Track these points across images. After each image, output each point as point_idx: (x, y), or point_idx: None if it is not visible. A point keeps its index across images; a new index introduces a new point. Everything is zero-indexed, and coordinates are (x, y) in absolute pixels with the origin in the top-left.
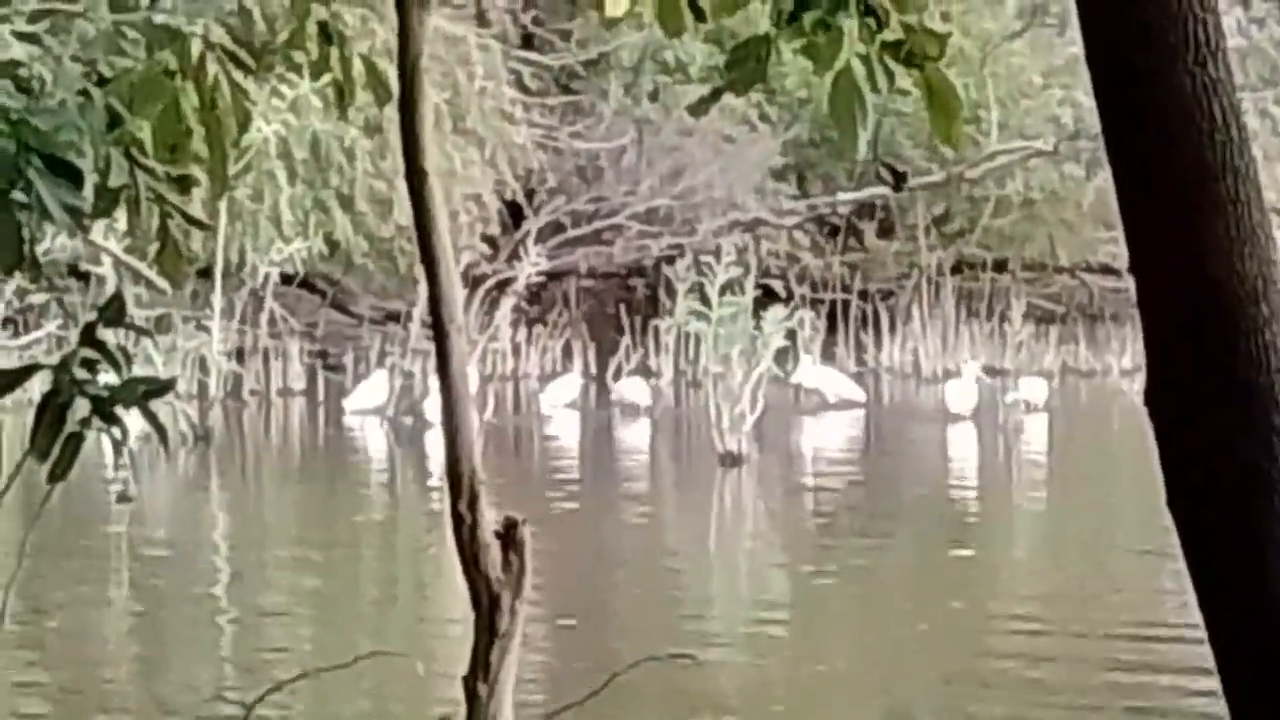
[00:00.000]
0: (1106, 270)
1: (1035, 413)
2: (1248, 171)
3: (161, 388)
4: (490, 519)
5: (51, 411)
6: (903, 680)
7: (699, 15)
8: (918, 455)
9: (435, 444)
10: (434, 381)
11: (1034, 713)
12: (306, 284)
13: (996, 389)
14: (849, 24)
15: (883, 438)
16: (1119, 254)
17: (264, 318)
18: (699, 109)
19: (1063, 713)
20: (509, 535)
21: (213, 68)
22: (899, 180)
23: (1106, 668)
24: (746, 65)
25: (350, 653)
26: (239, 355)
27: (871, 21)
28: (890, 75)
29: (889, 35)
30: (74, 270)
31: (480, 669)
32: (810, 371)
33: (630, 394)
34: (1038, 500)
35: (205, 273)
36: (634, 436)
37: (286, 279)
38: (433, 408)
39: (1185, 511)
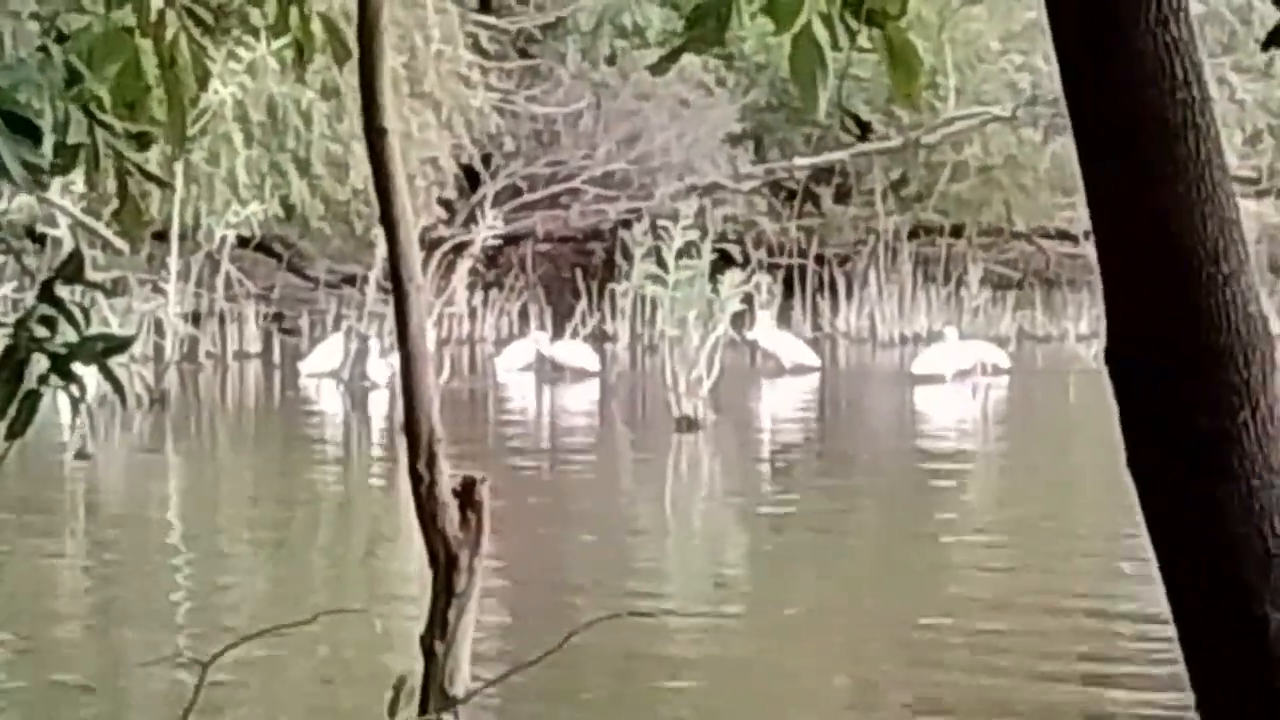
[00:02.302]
0: (1063, 236)
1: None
2: (1209, 131)
3: (120, 344)
4: (448, 477)
5: (9, 368)
6: (862, 635)
7: None
8: (891, 419)
9: (380, 405)
10: (384, 345)
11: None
12: (263, 247)
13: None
14: None
15: (843, 401)
16: (1076, 219)
17: (220, 281)
18: (659, 68)
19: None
20: (467, 494)
21: (172, 25)
22: (864, 130)
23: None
24: (706, 24)
25: (307, 611)
26: (195, 318)
27: None
28: (851, 34)
29: None
30: (30, 232)
31: (437, 627)
32: (767, 334)
33: (571, 358)
34: (1005, 465)
35: (161, 235)
36: (587, 401)
37: (243, 242)
38: (378, 370)
39: (1144, 472)
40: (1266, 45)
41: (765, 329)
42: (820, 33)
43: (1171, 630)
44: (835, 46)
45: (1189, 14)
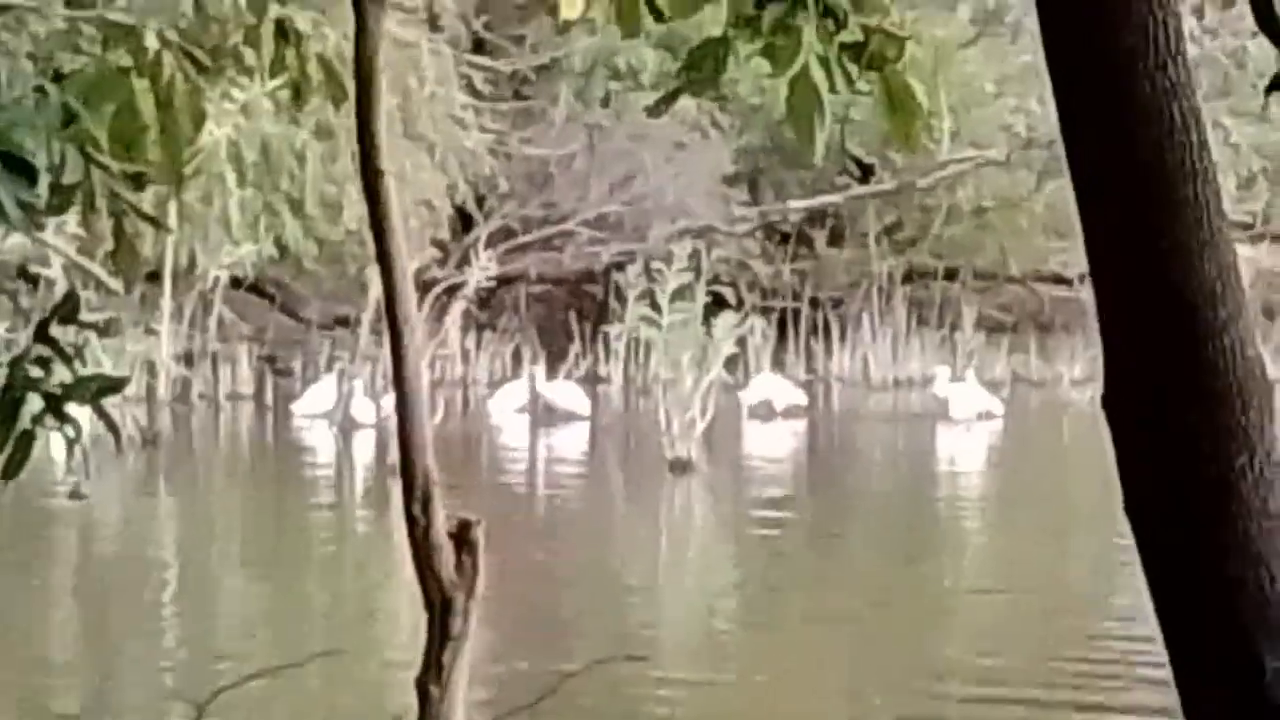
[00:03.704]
0: (1058, 280)
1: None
2: (1208, 174)
3: (114, 385)
4: (443, 520)
5: (4, 408)
6: (851, 688)
7: (657, 16)
8: (885, 461)
9: (367, 446)
10: (376, 386)
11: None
12: (255, 288)
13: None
14: (807, 25)
15: (836, 444)
16: (1070, 263)
17: (213, 322)
18: (656, 110)
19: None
20: (462, 536)
21: (168, 66)
22: (865, 173)
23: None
24: (703, 67)
25: (302, 653)
26: (187, 359)
27: (830, 23)
28: (849, 77)
29: (847, 37)
30: (23, 273)
31: (433, 670)
32: (758, 381)
33: (562, 399)
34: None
35: (154, 276)
36: (582, 444)
37: (236, 283)
38: (363, 410)
39: (1142, 517)
40: (1270, 90)
41: (758, 379)
42: (818, 76)
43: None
44: (832, 90)
45: (1187, 58)
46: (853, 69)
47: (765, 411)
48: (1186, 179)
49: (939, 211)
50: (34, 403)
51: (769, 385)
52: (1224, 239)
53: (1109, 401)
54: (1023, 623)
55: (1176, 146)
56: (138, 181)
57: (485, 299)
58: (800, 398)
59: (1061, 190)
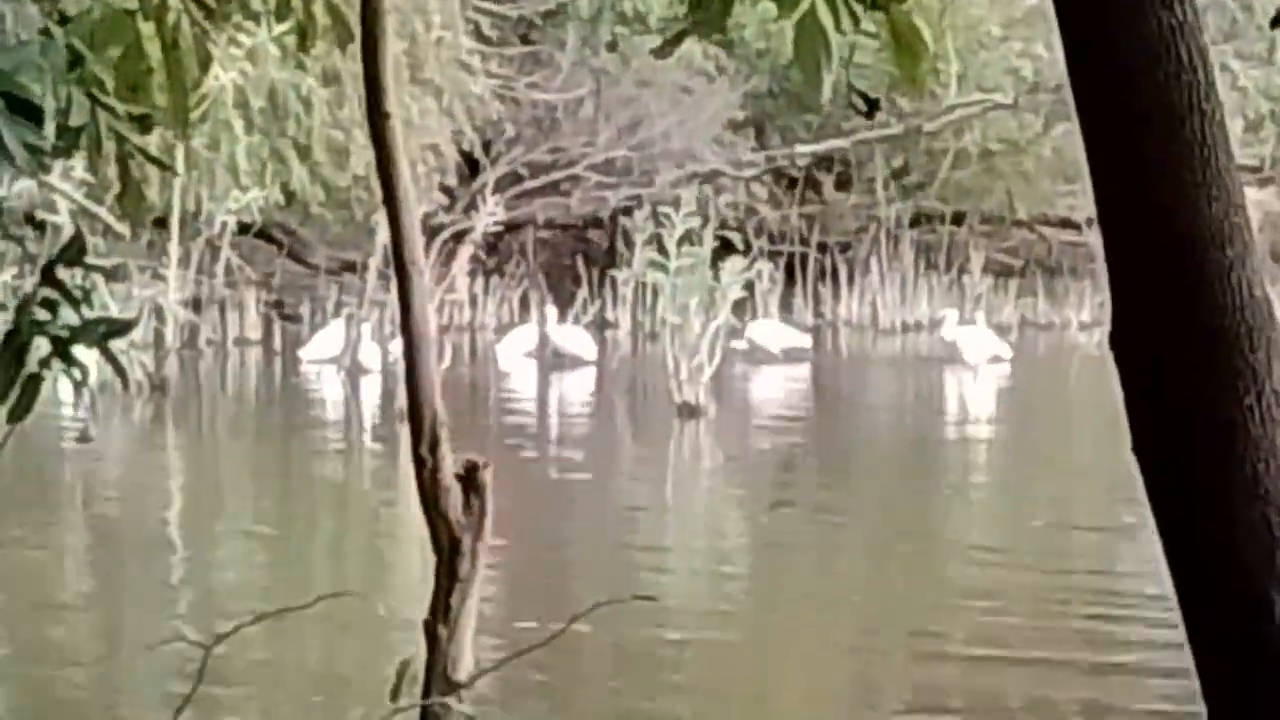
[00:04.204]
0: (1065, 224)
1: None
2: (1214, 114)
3: (121, 328)
4: (450, 462)
5: (11, 351)
6: (863, 623)
7: None
8: (891, 405)
9: (373, 390)
10: (384, 331)
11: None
12: (263, 234)
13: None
14: None
15: (845, 389)
16: (1078, 207)
17: (220, 267)
18: (662, 51)
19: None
20: (470, 478)
21: (174, 8)
22: (872, 107)
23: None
24: (709, 9)
25: (310, 595)
26: (195, 305)
27: None
28: (855, 17)
29: None
30: (30, 219)
31: (440, 612)
32: (754, 327)
33: (569, 344)
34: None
35: (161, 222)
36: (590, 389)
37: (243, 228)
38: (369, 354)
39: (1149, 455)
40: (1275, 24)
41: (756, 325)
42: (824, 16)
43: None
44: (839, 30)
45: None
46: (859, 9)
47: (764, 357)
48: (1193, 118)
49: (946, 156)
50: (41, 347)
51: (765, 330)
52: (1231, 179)
53: (1116, 342)
54: (1028, 574)
55: (1183, 86)
56: (144, 125)
57: (492, 244)
58: (802, 340)
59: (1068, 134)
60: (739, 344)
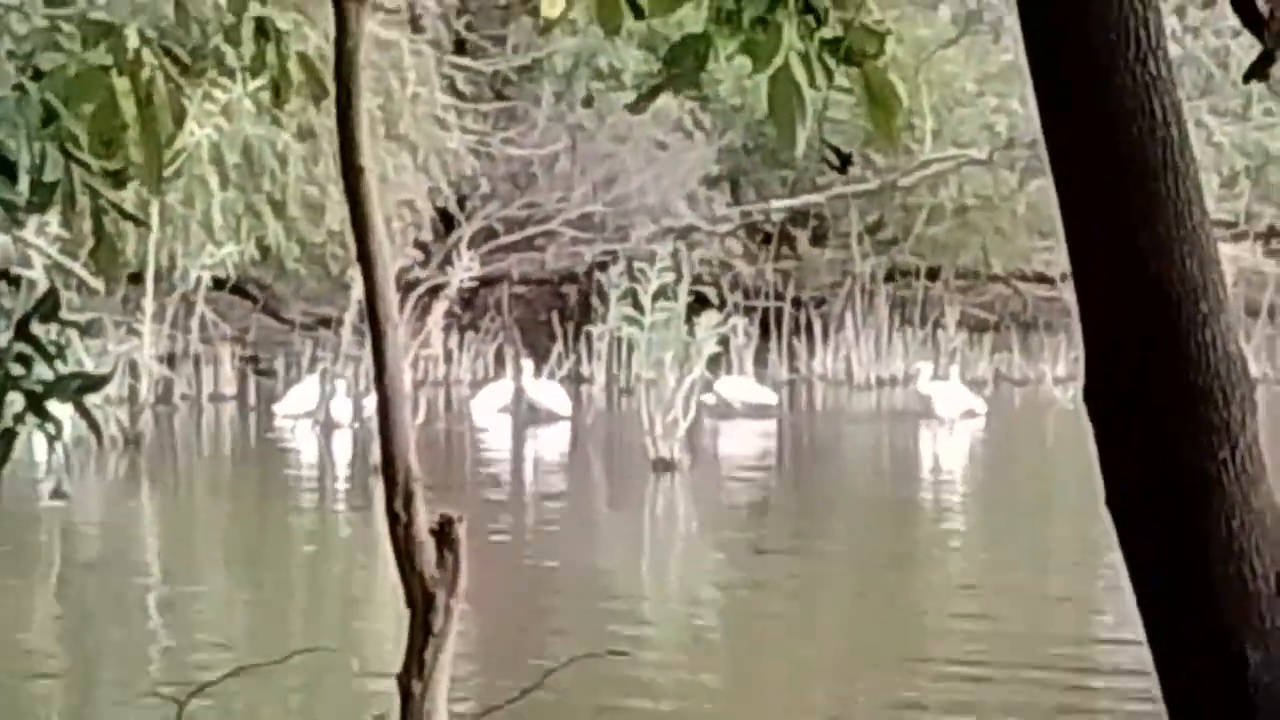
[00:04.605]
0: (1040, 279)
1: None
2: (1188, 170)
3: (96, 382)
4: (425, 517)
5: None
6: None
7: (638, 13)
8: (863, 460)
9: (345, 445)
10: (359, 387)
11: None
12: (238, 289)
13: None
14: (788, 21)
15: (819, 444)
16: (1053, 262)
17: (195, 322)
18: (637, 106)
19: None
20: (444, 533)
21: (149, 64)
22: (845, 161)
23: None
24: (684, 64)
25: (283, 651)
26: (170, 360)
27: (810, 19)
28: (829, 73)
29: (827, 33)
30: (4, 274)
31: (415, 667)
32: (725, 382)
33: (544, 399)
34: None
35: (136, 277)
36: (565, 444)
37: (218, 284)
38: (341, 409)
39: (1124, 512)
40: (1248, 78)
41: (724, 380)
42: (798, 72)
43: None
44: (813, 85)
45: (1167, 54)
46: (833, 64)
47: (731, 412)
48: (1167, 174)
49: (921, 211)
50: (16, 402)
51: (732, 386)
52: (1205, 234)
53: (1090, 396)
54: (1008, 623)
55: (1157, 141)
56: (118, 180)
57: (468, 299)
58: (769, 397)
59: (1043, 189)
60: (707, 398)
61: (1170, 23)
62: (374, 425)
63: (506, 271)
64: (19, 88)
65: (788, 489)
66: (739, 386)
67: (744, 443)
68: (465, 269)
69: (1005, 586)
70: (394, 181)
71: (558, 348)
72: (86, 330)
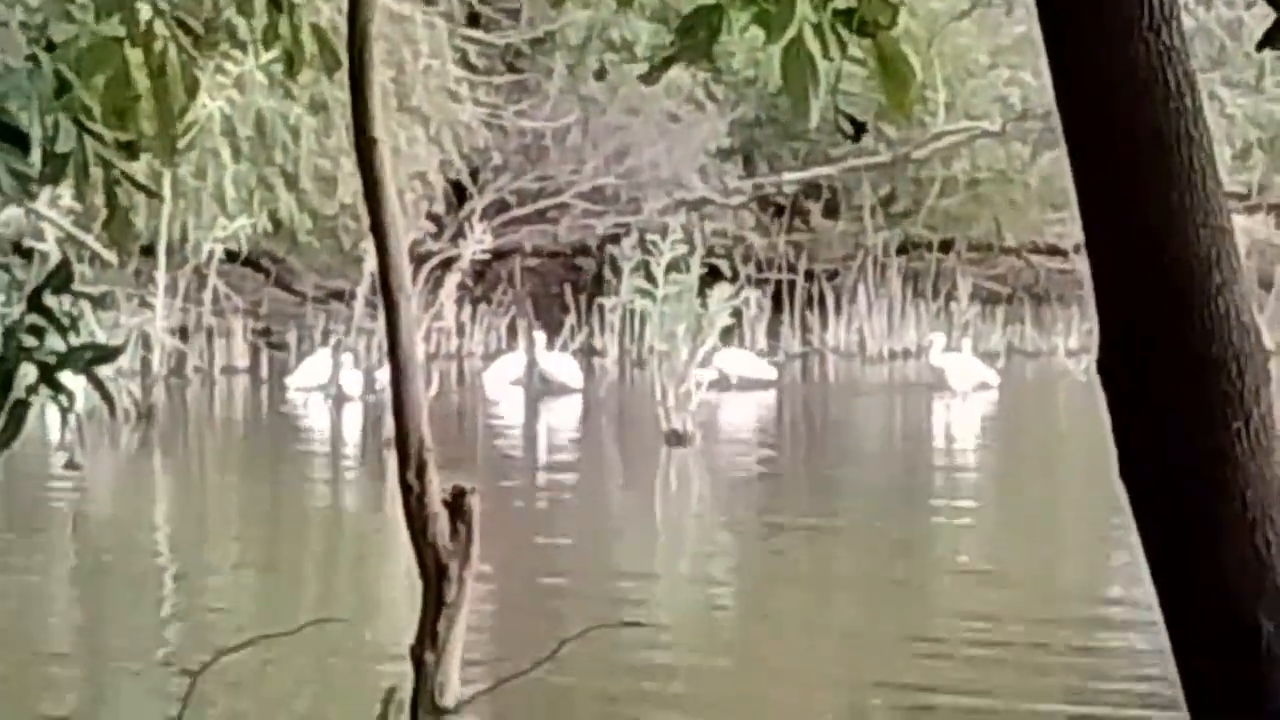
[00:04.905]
0: (1053, 251)
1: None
2: (1202, 140)
3: (108, 354)
4: (438, 488)
5: None
6: (850, 649)
7: None
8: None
9: (355, 417)
10: (371, 359)
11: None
12: (250, 262)
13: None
14: None
15: (831, 416)
16: (1065, 235)
17: (207, 295)
18: (650, 77)
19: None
20: (457, 505)
21: (161, 35)
22: (859, 130)
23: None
24: (697, 35)
25: (296, 621)
26: (182, 333)
27: None
28: (842, 44)
29: (840, 4)
30: (17, 246)
31: (428, 638)
32: (724, 355)
33: (556, 372)
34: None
35: (148, 250)
36: (574, 417)
37: (230, 256)
38: (350, 382)
39: (1137, 482)
40: (1261, 46)
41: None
42: (811, 43)
43: None
44: (826, 56)
45: (1181, 23)
46: (846, 36)
47: (724, 385)
48: (1181, 145)
49: (934, 183)
50: (29, 374)
51: (731, 360)
52: (1219, 206)
53: (1104, 368)
54: (1016, 594)
55: (1171, 112)
56: (131, 152)
57: (480, 272)
58: (766, 371)
59: (1056, 162)
60: (708, 373)
61: None
62: (387, 397)
63: (519, 244)
64: (32, 59)
65: (799, 462)
66: (738, 360)
67: (753, 415)
68: (478, 241)
69: (1017, 561)
70: (406, 154)
71: (570, 320)
72: (99, 302)
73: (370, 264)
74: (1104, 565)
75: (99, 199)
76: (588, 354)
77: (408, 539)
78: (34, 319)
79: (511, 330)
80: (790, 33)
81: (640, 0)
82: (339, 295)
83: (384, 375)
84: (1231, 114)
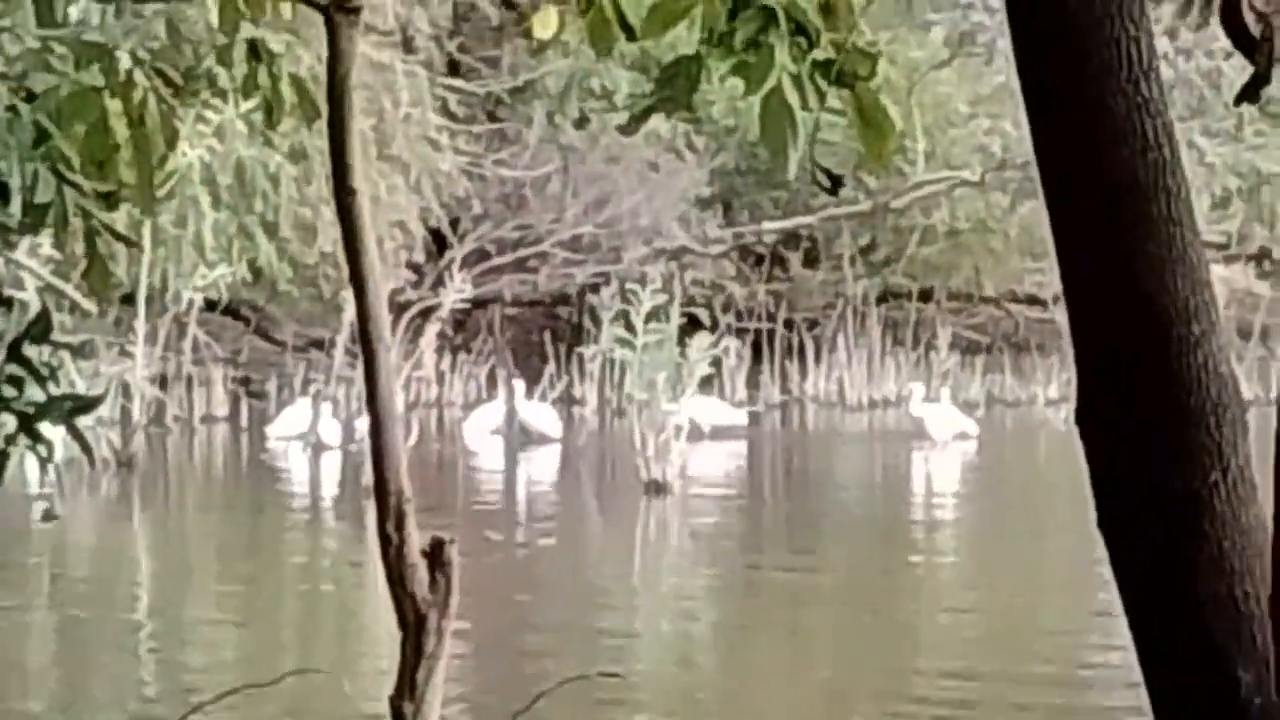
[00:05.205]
0: (1032, 301)
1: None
2: (1179, 191)
3: (87, 404)
4: (417, 539)
5: None
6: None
7: (630, 35)
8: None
9: (334, 466)
10: (351, 409)
11: None
12: (230, 310)
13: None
14: (780, 43)
15: (811, 465)
16: (1045, 284)
17: (187, 344)
18: (629, 128)
19: None
20: (436, 555)
21: (141, 85)
22: (836, 184)
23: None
24: (676, 85)
25: (275, 672)
26: (162, 381)
27: (802, 40)
28: (821, 95)
29: (819, 55)
30: None
31: (406, 689)
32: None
33: (535, 421)
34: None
35: (128, 299)
36: (558, 466)
37: (210, 305)
38: (329, 431)
39: (1115, 532)
40: (1239, 100)
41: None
42: (790, 94)
43: None
44: (805, 107)
45: (1159, 75)
46: (825, 86)
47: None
48: (1159, 195)
49: (914, 232)
50: (8, 424)
51: (700, 408)
52: (1197, 256)
53: (1082, 417)
54: (997, 641)
55: (1149, 163)
56: (110, 201)
57: (460, 321)
58: (736, 418)
59: (1035, 211)
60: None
61: (1162, 44)
62: (366, 447)
63: (499, 293)
64: (11, 109)
65: (780, 511)
66: (709, 408)
67: (731, 464)
68: (457, 290)
69: (998, 608)
70: (386, 202)
71: (550, 369)
72: (79, 352)
73: (350, 312)
74: (1086, 616)
75: (79, 247)
76: (567, 403)
77: (385, 589)
78: (13, 369)
79: (491, 379)
80: (769, 84)
81: (620, 49)
82: (319, 344)
83: (364, 424)
84: (1211, 163)
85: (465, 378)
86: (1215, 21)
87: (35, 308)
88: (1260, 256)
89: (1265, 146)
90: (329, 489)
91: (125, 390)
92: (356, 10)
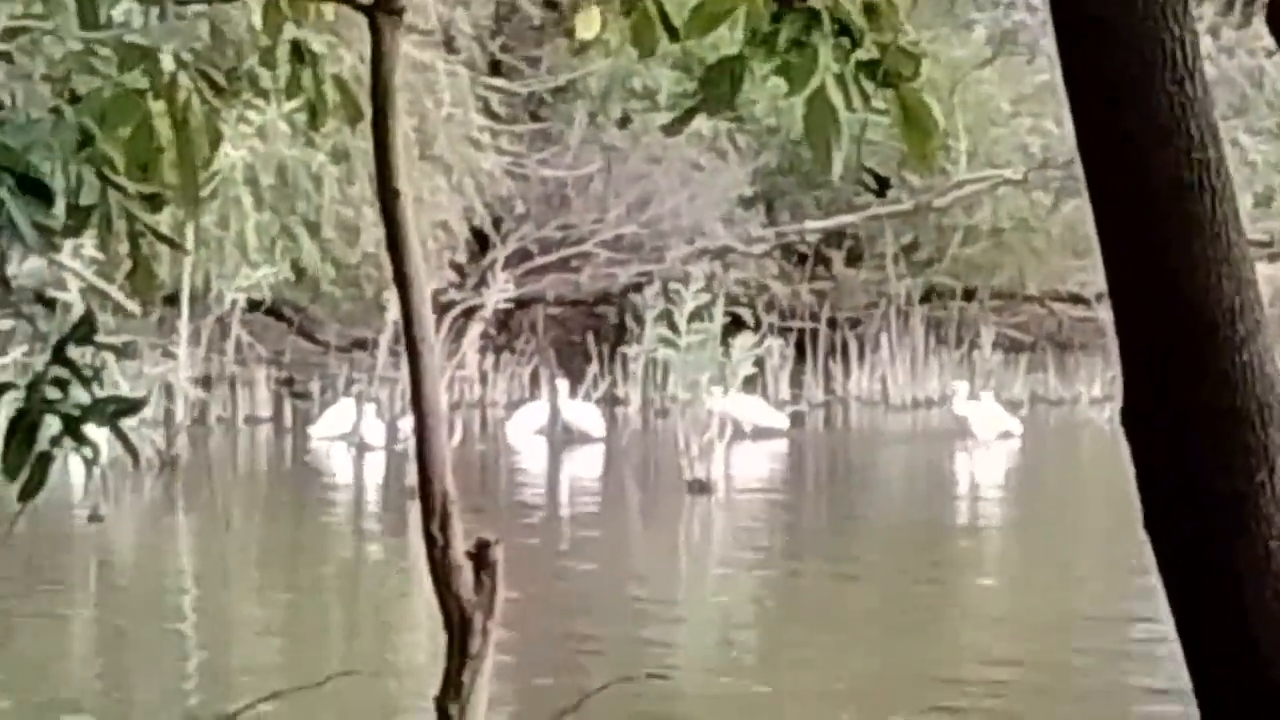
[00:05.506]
0: (1076, 299)
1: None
2: (1225, 190)
3: (132, 406)
4: (462, 540)
5: (22, 430)
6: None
7: (673, 35)
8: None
9: (378, 467)
10: (394, 409)
11: None
12: (273, 311)
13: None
14: (823, 43)
15: (856, 465)
16: (1088, 283)
17: (230, 345)
18: (672, 128)
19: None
20: (481, 556)
21: (184, 87)
22: (883, 186)
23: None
24: (719, 86)
25: (322, 673)
26: (205, 382)
27: (845, 41)
28: (865, 95)
29: (863, 55)
30: (40, 297)
31: (452, 690)
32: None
33: (578, 421)
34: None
35: (171, 300)
36: (597, 466)
37: (253, 306)
38: (372, 431)
39: (1162, 534)
40: None
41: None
42: (834, 94)
43: None
44: (849, 108)
45: (1203, 74)
46: (869, 86)
47: (745, 433)
48: (1204, 194)
49: (957, 231)
50: (52, 425)
51: (739, 405)
52: (1242, 255)
53: (1128, 418)
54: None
55: (1194, 163)
56: (154, 203)
57: (503, 321)
58: (776, 419)
59: (1079, 210)
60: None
61: (1205, 43)
62: (410, 447)
63: (542, 293)
64: (55, 111)
65: (822, 511)
66: (750, 407)
67: (774, 464)
68: (500, 290)
69: (1039, 610)
70: (429, 203)
71: (593, 369)
72: (122, 353)
73: (393, 312)
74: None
75: (122, 248)
76: (610, 403)
77: (431, 590)
78: (58, 371)
79: (534, 379)
80: (813, 84)
81: (662, 50)
82: (362, 344)
83: (407, 424)
84: (1254, 161)
85: (508, 378)
86: (1258, 20)
87: (79, 309)
88: None
89: None
90: (372, 489)
91: (168, 391)
92: (400, 11)
